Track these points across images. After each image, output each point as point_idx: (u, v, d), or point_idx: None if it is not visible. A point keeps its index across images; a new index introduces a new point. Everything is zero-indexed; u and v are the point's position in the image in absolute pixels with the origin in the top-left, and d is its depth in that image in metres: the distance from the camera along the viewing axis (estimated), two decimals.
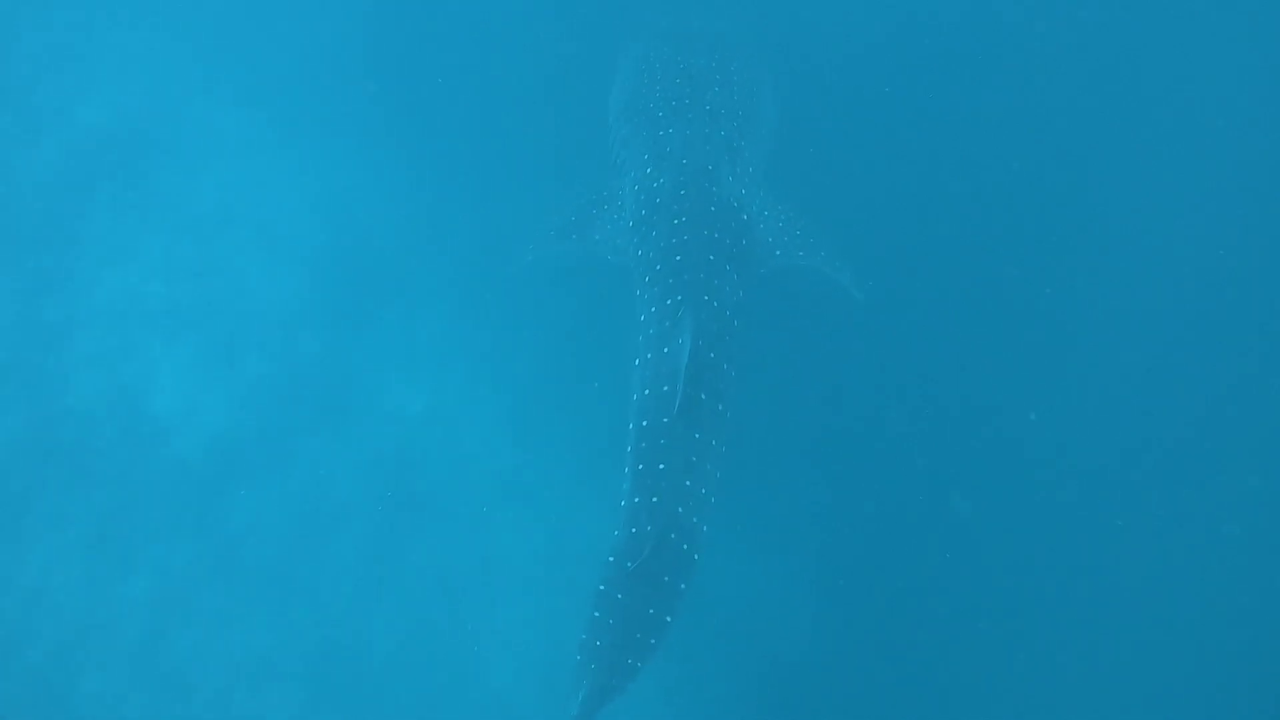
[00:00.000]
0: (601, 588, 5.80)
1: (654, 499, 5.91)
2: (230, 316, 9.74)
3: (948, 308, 8.61)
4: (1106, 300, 8.66)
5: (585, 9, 10.22)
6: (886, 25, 9.70)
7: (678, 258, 6.66)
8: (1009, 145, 9.25)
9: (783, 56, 8.71)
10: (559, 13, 10.34)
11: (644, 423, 6.19)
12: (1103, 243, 8.88)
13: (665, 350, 6.36)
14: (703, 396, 6.14)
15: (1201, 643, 7.66)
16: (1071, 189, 9.14)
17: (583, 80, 9.12)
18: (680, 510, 5.90)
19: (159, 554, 8.65)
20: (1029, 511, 8.04)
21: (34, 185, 10.47)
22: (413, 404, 9.29)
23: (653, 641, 5.66)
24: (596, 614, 5.73)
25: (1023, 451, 8.27)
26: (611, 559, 5.86)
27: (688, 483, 5.96)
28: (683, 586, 5.81)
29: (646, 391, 6.31)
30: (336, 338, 9.65)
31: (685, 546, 5.86)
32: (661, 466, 5.97)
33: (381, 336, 9.63)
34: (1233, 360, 8.44)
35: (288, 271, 9.99)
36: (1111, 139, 9.31)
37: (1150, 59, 9.54)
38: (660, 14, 8.89)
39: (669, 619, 5.72)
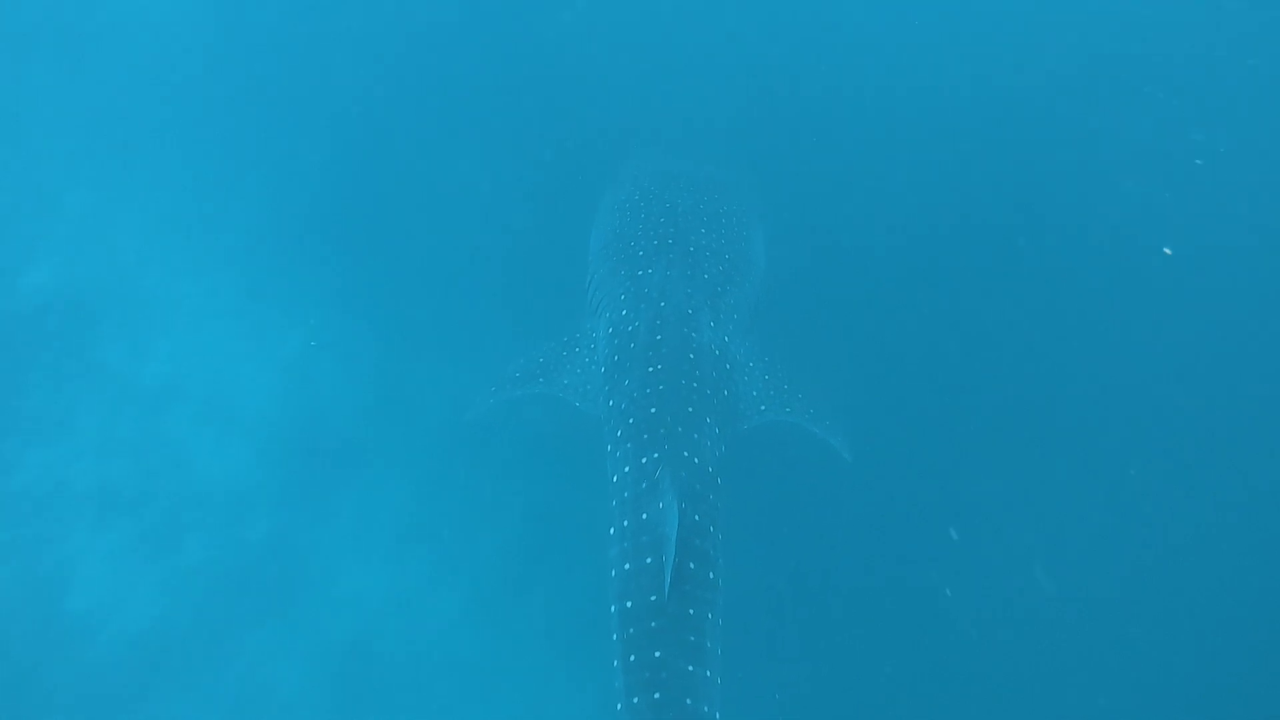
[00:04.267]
0: None
1: (656, 694, 5.20)
2: (169, 497, 9.11)
3: (942, 470, 8.31)
4: (1101, 466, 8.36)
5: (562, 148, 10.34)
6: (886, 179, 9.82)
7: (653, 409, 6.14)
8: (1006, 305, 9.17)
9: (774, 203, 8.62)
10: (530, 152, 10.49)
11: (628, 604, 5.53)
12: (1094, 396, 8.70)
13: (644, 516, 5.76)
14: (691, 565, 5.54)
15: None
16: (1065, 342, 8.99)
17: (558, 224, 9.02)
18: (689, 702, 5.21)
19: None
20: (1035, 669, 7.53)
21: None
22: (369, 589, 8.62)
23: None
24: None
25: (1023, 609, 7.79)
26: None
27: (690, 668, 5.28)
28: None
29: (627, 566, 5.68)
30: (286, 518, 9.05)
31: None
32: (658, 654, 5.29)
33: (336, 516, 9.03)
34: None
35: (236, 447, 9.46)
36: (1103, 288, 9.29)
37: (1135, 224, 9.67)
38: (649, 152, 8.87)
39: None
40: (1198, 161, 10.11)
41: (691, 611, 5.41)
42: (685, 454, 5.93)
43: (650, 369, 6.32)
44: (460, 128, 11.02)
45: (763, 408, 6.65)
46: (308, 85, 11.74)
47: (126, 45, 12.70)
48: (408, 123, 11.24)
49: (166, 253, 10.79)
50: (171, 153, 11.56)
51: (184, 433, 9.49)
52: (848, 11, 11.60)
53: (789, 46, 11.27)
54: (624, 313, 6.81)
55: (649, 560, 5.54)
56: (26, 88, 12.39)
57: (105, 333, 10.21)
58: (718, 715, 5.28)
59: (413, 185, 10.67)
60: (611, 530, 5.89)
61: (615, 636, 5.51)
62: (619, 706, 5.32)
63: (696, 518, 5.68)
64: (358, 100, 11.48)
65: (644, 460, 5.94)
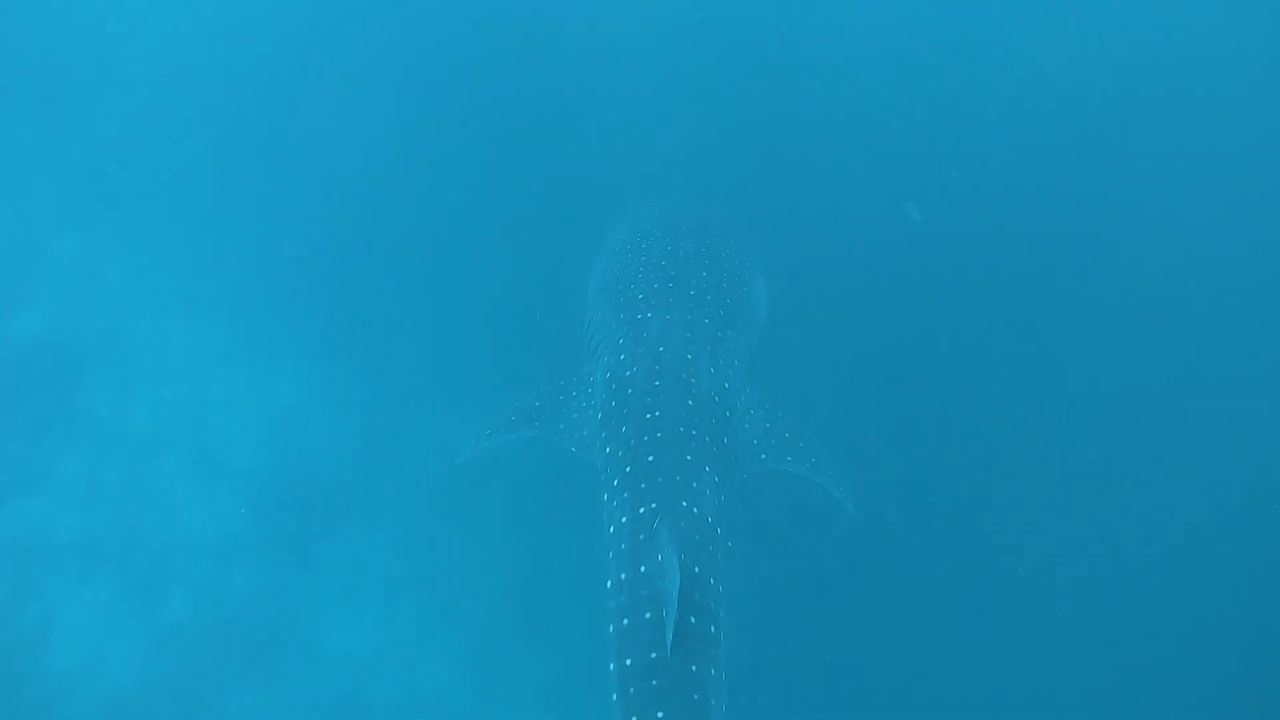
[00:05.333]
0: None
1: None
2: (153, 550, 8.88)
3: (947, 520, 8.24)
4: (1101, 516, 8.29)
5: (559, 191, 10.33)
6: (889, 220, 9.85)
7: (650, 458, 5.96)
8: (1013, 347, 9.14)
9: (775, 246, 8.54)
10: (526, 196, 10.48)
11: (628, 661, 5.30)
12: (1103, 436, 8.65)
13: (642, 569, 5.55)
14: (692, 620, 5.31)
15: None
16: (1074, 383, 8.94)
17: (554, 267, 8.90)
18: None
19: None
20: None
21: None
22: (359, 644, 8.40)
23: None
24: None
25: (1026, 662, 7.64)
26: None
27: None
28: None
29: (626, 621, 5.45)
30: (274, 571, 8.83)
31: None
32: (660, 715, 5.05)
33: (324, 568, 8.82)
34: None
35: (223, 499, 9.25)
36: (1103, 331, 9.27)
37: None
38: (650, 194, 8.79)
39: None
40: (1197, 170, 10.25)
41: (694, 668, 5.19)
42: (684, 504, 5.73)
43: (648, 415, 6.15)
44: (454, 169, 11.00)
45: (763, 456, 6.47)
46: (297, 132, 11.76)
47: (115, 91, 12.74)
48: (399, 166, 11.22)
49: (154, 299, 10.67)
50: (160, 199, 11.52)
51: (170, 482, 9.29)
52: (843, 55, 11.69)
53: (790, 90, 11.31)
54: (622, 357, 6.67)
55: (648, 615, 5.32)
56: (15, 133, 12.37)
57: (92, 379, 10.03)
58: None
59: (404, 229, 10.64)
60: (609, 584, 5.67)
61: (615, 696, 5.28)
62: None
63: (696, 570, 5.48)
64: (348, 145, 11.47)
65: (641, 510, 5.74)
